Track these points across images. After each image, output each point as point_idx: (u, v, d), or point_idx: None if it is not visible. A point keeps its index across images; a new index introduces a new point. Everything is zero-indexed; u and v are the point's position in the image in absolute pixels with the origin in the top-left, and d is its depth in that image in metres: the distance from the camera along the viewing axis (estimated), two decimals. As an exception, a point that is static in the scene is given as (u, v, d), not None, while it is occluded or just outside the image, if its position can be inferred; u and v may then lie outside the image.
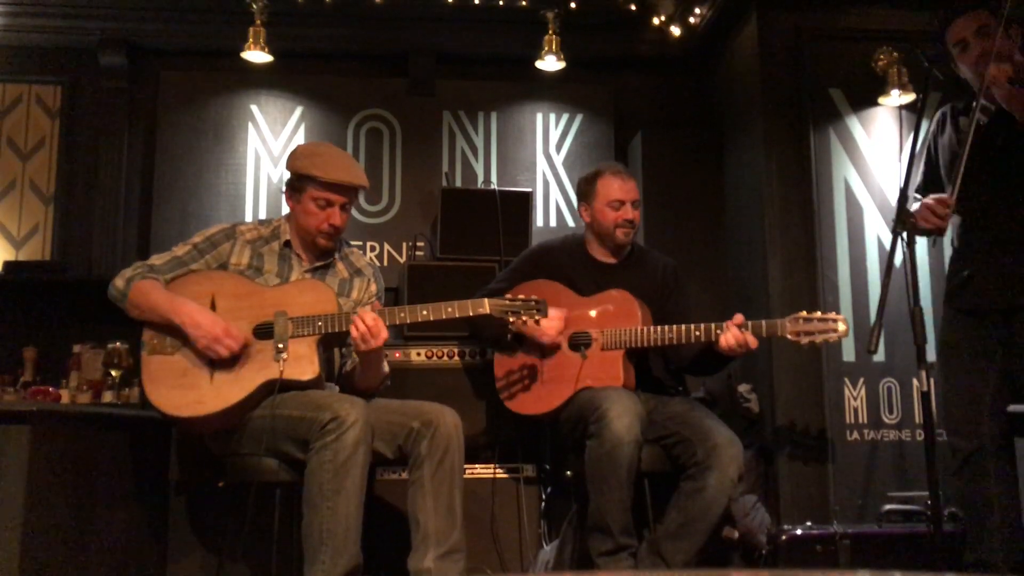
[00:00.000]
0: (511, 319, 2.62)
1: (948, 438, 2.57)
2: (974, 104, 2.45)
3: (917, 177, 2.66)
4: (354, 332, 2.51)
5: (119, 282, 2.62)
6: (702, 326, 2.75)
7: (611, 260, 3.12)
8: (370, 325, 2.50)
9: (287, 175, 2.78)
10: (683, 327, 2.78)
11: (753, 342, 2.71)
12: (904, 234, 2.35)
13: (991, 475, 2.49)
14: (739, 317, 2.74)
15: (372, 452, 2.50)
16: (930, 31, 3.56)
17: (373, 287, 2.86)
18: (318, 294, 2.61)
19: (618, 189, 3.05)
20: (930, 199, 2.54)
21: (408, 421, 2.52)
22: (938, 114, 2.74)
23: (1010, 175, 2.52)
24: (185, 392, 2.52)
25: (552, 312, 2.84)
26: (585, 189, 3.12)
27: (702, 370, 3.08)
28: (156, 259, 2.69)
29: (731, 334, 2.71)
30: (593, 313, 2.95)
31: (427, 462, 2.47)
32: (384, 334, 2.52)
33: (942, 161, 2.69)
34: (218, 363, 2.54)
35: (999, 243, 2.53)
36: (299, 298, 2.59)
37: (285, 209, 2.86)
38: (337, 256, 2.84)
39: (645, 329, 2.83)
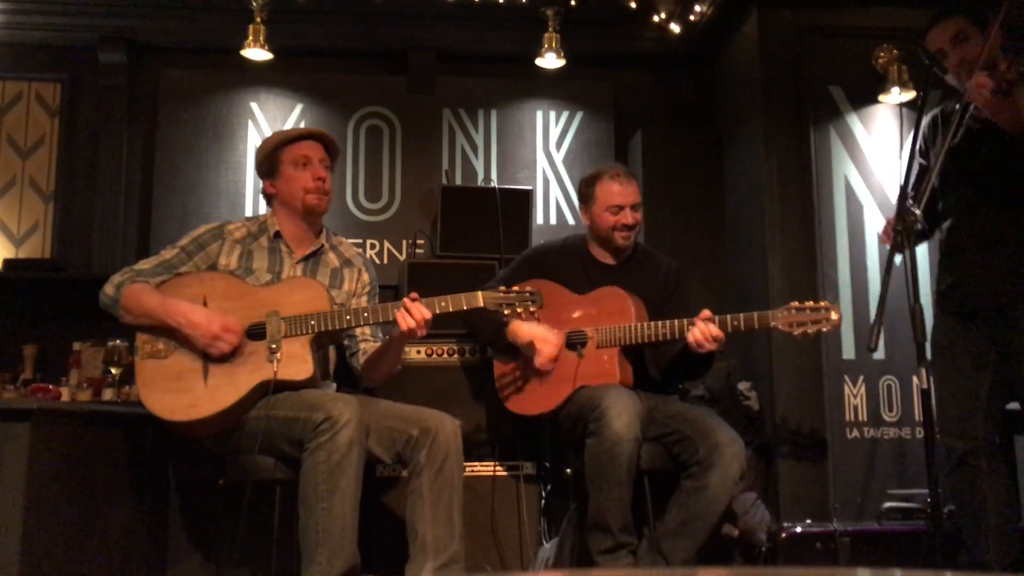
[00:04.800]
0: (506, 311, 2.61)
1: (942, 438, 2.57)
2: (958, 107, 2.44)
3: (911, 179, 2.63)
4: (403, 325, 2.51)
5: (109, 289, 2.62)
6: (695, 319, 2.74)
7: (613, 261, 3.11)
8: (417, 320, 2.52)
9: (259, 172, 2.84)
10: (675, 321, 2.77)
11: (718, 333, 2.68)
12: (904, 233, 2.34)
13: (985, 475, 2.49)
14: (705, 312, 2.73)
15: (369, 455, 2.50)
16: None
17: (366, 276, 2.87)
18: (310, 292, 2.60)
19: (617, 193, 3.02)
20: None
21: (407, 428, 2.52)
22: (928, 118, 2.71)
23: (994, 178, 2.51)
24: (180, 396, 2.51)
25: (550, 337, 2.85)
26: (585, 192, 3.11)
27: (684, 373, 3.04)
28: (144, 264, 2.69)
29: (697, 329, 2.69)
30: (588, 311, 2.95)
31: (426, 471, 2.46)
32: (423, 330, 2.54)
33: (937, 168, 2.68)
34: (212, 365, 2.53)
35: (984, 244, 2.53)
36: (291, 297, 2.58)
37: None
38: (327, 245, 2.84)
39: (638, 325, 2.83)
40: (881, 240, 2.79)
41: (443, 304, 2.57)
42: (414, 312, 2.51)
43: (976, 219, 2.55)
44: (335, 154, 2.89)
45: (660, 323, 2.79)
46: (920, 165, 2.70)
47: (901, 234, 2.34)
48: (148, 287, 2.60)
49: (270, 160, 2.78)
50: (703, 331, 2.68)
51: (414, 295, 2.57)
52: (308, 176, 2.75)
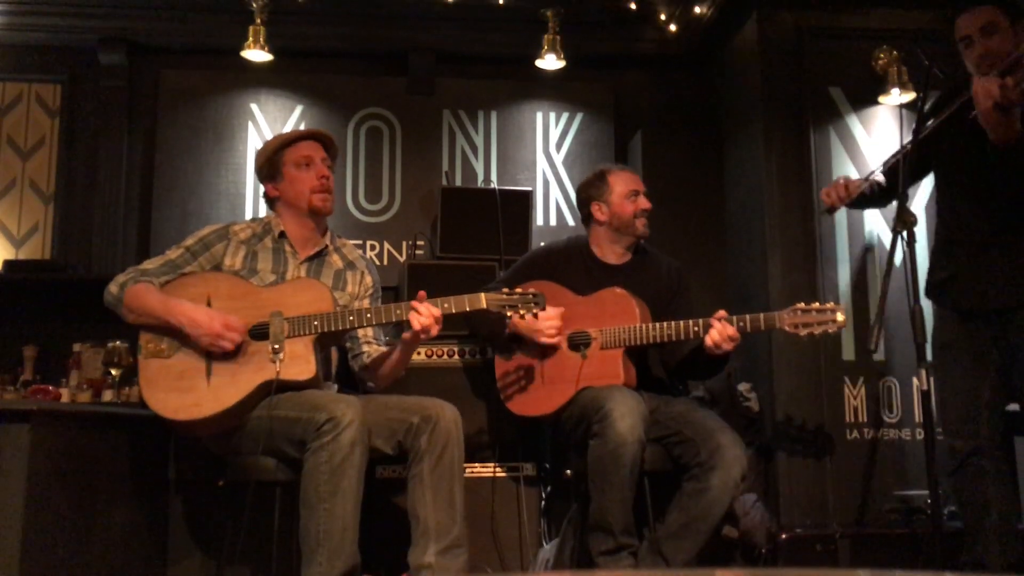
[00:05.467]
0: (509, 313, 2.61)
1: (946, 438, 2.57)
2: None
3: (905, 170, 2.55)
4: (415, 325, 2.52)
5: (113, 288, 2.62)
6: (700, 321, 2.75)
7: (617, 262, 3.11)
8: (427, 318, 2.52)
9: (261, 175, 2.85)
10: (680, 322, 2.77)
11: (735, 333, 2.69)
12: (904, 233, 2.35)
13: (988, 475, 2.49)
14: (721, 312, 2.73)
15: (372, 449, 2.50)
16: (930, 30, 3.56)
17: (368, 279, 2.87)
18: (314, 293, 2.60)
19: (630, 180, 3.09)
20: (841, 179, 2.68)
21: (408, 417, 2.52)
22: (935, 100, 2.67)
23: (992, 179, 2.51)
24: (182, 395, 2.52)
25: (550, 310, 2.84)
26: (596, 189, 3.10)
27: (697, 372, 3.05)
28: (149, 263, 2.70)
29: (715, 330, 2.70)
30: (591, 312, 2.95)
31: (427, 456, 2.47)
32: (437, 327, 2.54)
33: (939, 169, 2.67)
34: (215, 365, 2.53)
35: (983, 246, 2.52)
36: (294, 297, 2.58)
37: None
38: (331, 247, 2.85)
39: (643, 326, 2.83)
40: (822, 197, 2.77)
41: (446, 305, 2.58)
42: (422, 310, 2.52)
43: (973, 219, 2.55)
44: (334, 153, 2.90)
45: (665, 324, 2.79)
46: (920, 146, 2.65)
47: (899, 234, 2.35)
48: (152, 287, 2.60)
49: (271, 163, 2.80)
50: (720, 332, 2.68)
51: (422, 294, 2.58)
52: (312, 176, 2.77)
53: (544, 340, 2.90)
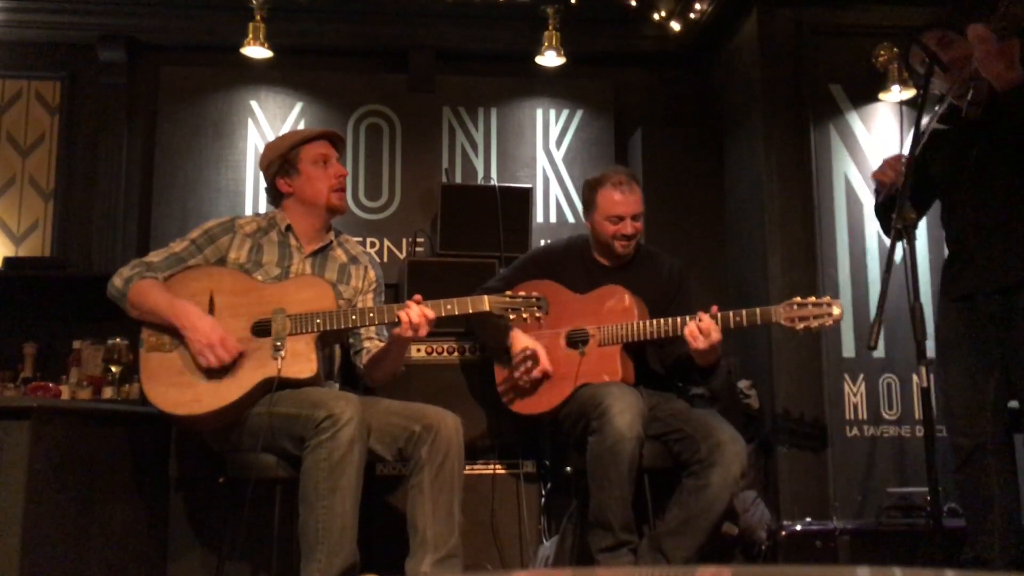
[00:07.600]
0: (511, 316, 2.61)
1: (949, 435, 2.57)
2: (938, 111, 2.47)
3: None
4: (403, 319, 2.52)
5: (117, 282, 2.62)
6: (696, 317, 2.75)
7: (615, 263, 3.10)
8: (417, 319, 2.52)
9: (271, 171, 2.82)
10: (676, 318, 2.77)
11: (708, 328, 2.68)
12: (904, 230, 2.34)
13: (992, 472, 2.48)
14: (713, 308, 2.73)
15: (371, 453, 2.50)
16: (931, 26, 3.55)
17: (372, 274, 2.88)
18: (317, 291, 2.60)
19: (618, 203, 2.99)
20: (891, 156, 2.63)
21: (410, 424, 2.52)
22: (928, 121, 2.68)
23: (990, 165, 2.52)
24: (183, 390, 2.51)
25: (540, 352, 2.88)
26: (587, 197, 3.09)
27: (691, 376, 3.01)
28: (153, 256, 2.69)
29: (692, 323, 2.69)
30: (589, 309, 2.95)
31: (427, 467, 2.46)
32: (424, 329, 2.54)
33: (938, 173, 2.67)
34: None
35: (988, 232, 2.53)
36: (297, 295, 2.58)
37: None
38: (335, 242, 2.86)
39: (641, 323, 2.83)
40: (873, 175, 2.74)
41: (448, 307, 2.58)
42: (413, 310, 2.52)
43: (978, 211, 2.55)
44: (340, 151, 2.92)
45: (662, 320, 2.79)
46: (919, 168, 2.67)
47: (900, 232, 2.34)
48: (157, 284, 2.60)
49: (286, 159, 2.78)
50: (700, 325, 2.68)
51: (418, 297, 2.58)
52: (331, 174, 2.78)
53: (535, 372, 2.91)
